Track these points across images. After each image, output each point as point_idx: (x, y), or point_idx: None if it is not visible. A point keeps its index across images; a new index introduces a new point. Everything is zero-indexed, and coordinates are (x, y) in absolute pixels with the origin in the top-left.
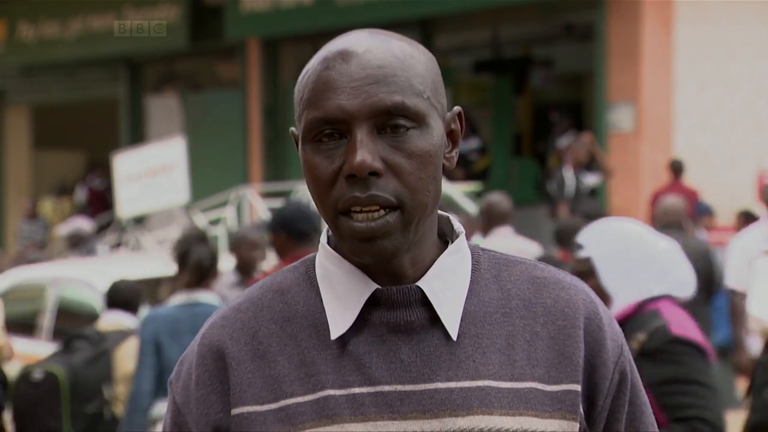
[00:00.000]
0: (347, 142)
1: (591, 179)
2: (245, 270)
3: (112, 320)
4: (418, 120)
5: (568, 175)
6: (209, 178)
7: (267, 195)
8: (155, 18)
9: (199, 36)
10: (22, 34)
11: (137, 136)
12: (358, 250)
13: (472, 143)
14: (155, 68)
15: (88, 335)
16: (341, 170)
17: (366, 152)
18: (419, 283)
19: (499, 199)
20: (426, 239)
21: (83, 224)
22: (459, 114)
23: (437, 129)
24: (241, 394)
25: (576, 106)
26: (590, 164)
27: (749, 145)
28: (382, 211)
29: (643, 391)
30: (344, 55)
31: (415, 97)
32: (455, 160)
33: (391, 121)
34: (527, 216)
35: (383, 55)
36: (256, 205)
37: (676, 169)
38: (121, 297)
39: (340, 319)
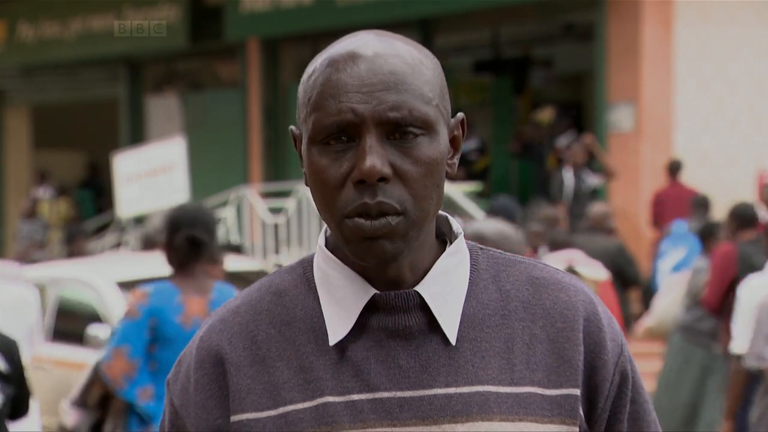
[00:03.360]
0: (355, 145)
1: (593, 180)
2: None
3: None
4: (427, 127)
5: (568, 176)
6: (209, 178)
7: (267, 195)
8: (155, 18)
9: (199, 36)
10: (22, 34)
11: (137, 136)
12: (360, 250)
13: (471, 143)
14: (155, 68)
15: None
16: (349, 175)
17: (376, 158)
18: (418, 288)
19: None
20: (424, 243)
21: None
22: (462, 120)
23: (443, 136)
24: (241, 400)
25: (576, 106)
26: (591, 164)
27: (749, 145)
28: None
29: (645, 390)
30: (353, 58)
31: (424, 104)
32: (456, 166)
33: (401, 128)
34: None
35: (394, 61)
36: (256, 205)
37: (674, 169)
38: None
39: (338, 325)
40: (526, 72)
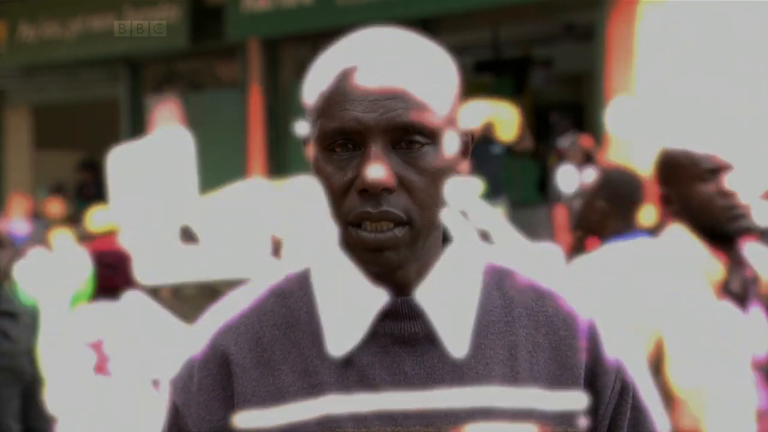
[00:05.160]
0: (361, 154)
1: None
2: None
3: None
4: (433, 137)
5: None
6: (209, 178)
7: None
8: (155, 18)
9: (199, 36)
10: (22, 34)
11: (137, 136)
12: (365, 260)
13: None
14: (155, 68)
15: None
16: (353, 182)
17: (380, 168)
18: None
19: None
20: (431, 248)
21: None
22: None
23: (451, 144)
24: (245, 402)
25: (576, 106)
26: (590, 163)
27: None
28: (391, 224)
29: (649, 396)
30: (363, 62)
31: (431, 114)
32: (462, 168)
33: (407, 137)
34: (527, 216)
35: (403, 67)
36: None
37: None
38: None
39: (345, 329)
40: (526, 72)
